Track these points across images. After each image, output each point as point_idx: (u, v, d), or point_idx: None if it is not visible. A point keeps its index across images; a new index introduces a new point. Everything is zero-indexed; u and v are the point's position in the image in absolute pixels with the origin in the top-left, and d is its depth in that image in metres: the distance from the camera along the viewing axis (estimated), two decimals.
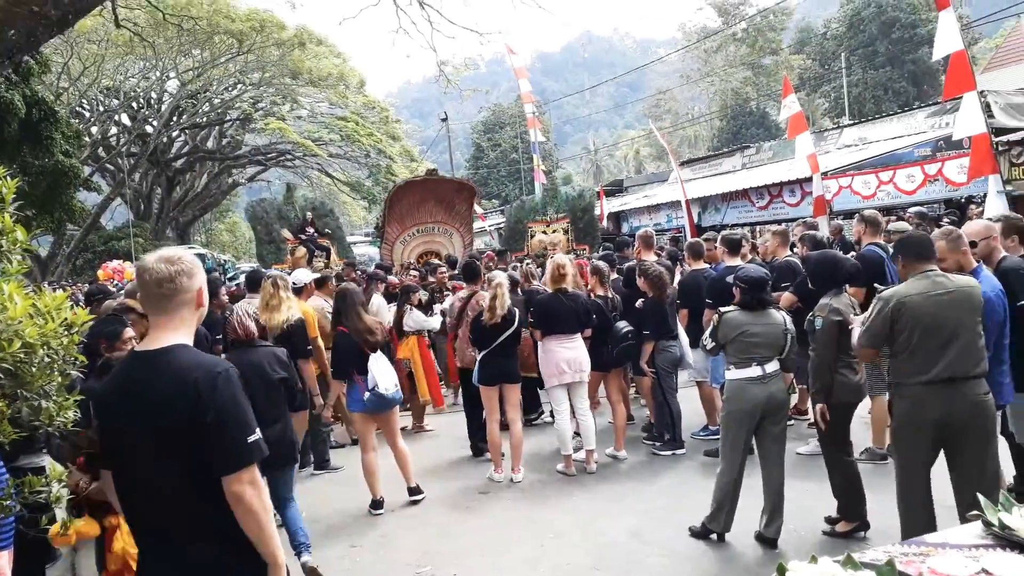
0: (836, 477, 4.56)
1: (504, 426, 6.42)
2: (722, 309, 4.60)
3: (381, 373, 5.53)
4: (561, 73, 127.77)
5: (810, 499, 5.05)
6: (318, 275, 8.08)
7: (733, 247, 6.80)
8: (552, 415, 7.36)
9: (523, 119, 42.72)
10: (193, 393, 2.04)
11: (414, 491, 5.92)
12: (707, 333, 4.69)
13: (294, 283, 6.91)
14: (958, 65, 9.12)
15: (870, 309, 3.95)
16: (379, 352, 5.64)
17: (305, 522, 5.57)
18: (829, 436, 4.55)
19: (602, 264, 6.88)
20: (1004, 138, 10.00)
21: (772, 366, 4.45)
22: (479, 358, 6.23)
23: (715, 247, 7.49)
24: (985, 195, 9.37)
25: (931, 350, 3.72)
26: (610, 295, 6.64)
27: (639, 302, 6.64)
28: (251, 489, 2.09)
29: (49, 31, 5.83)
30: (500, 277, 6.36)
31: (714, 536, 4.63)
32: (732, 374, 4.49)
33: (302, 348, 5.74)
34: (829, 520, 4.68)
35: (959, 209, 10.21)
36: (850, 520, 4.53)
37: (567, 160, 59.86)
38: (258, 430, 2.15)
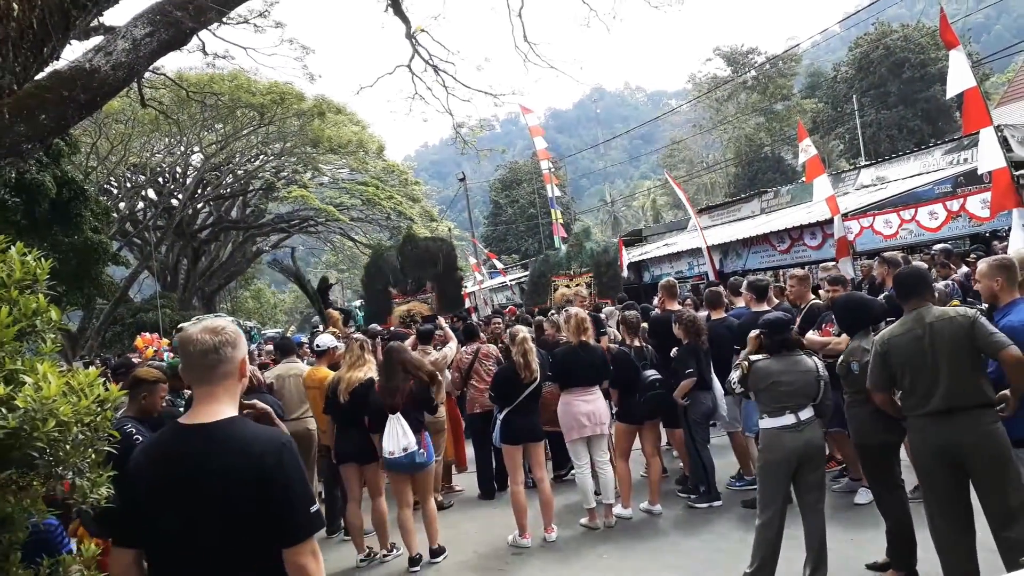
0: (888, 521, 4.43)
1: (531, 485, 6.38)
2: (752, 358, 4.53)
3: (390, 435, 5.54)
4: (575, 129, 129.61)
5: (854, 549, 4.90)
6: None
7: (760, 293, 6.74)
8: None
9: (539, 175, 43.18)
10: (259, 466, 2.05)
11: (436, 552, 5.91)
12: (735, 377, 4.60)
13: (318, 346, 6.99)
14: (973, 102, 9.13)
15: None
16: (397, 414, 5.59)
17: None
18: (877, 478, 4.44)
19: (632, 315, 6.84)
20: None
21: (806, 413, 4.36)
22: (500, 417, 6.17)
23: (740, 292, 7.41)
24: (1010, 229, 9.25)
25: (923, 385, 3.78)
26: (640, 344, 6.58)
27: (674, 350, 6.59)
28: (313, 560, 2.09)
29: (78, 113, 6.02)
30: (524, 331, 6.35)
31: None
32: (766, 423, 4.40)
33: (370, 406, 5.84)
34: (875, 567, 4.54)
35: (984, 244, 10.09)
36: (898, 569, 4.38)
37: (585, 212, 60.26)
38: (316, 499, 2.17)
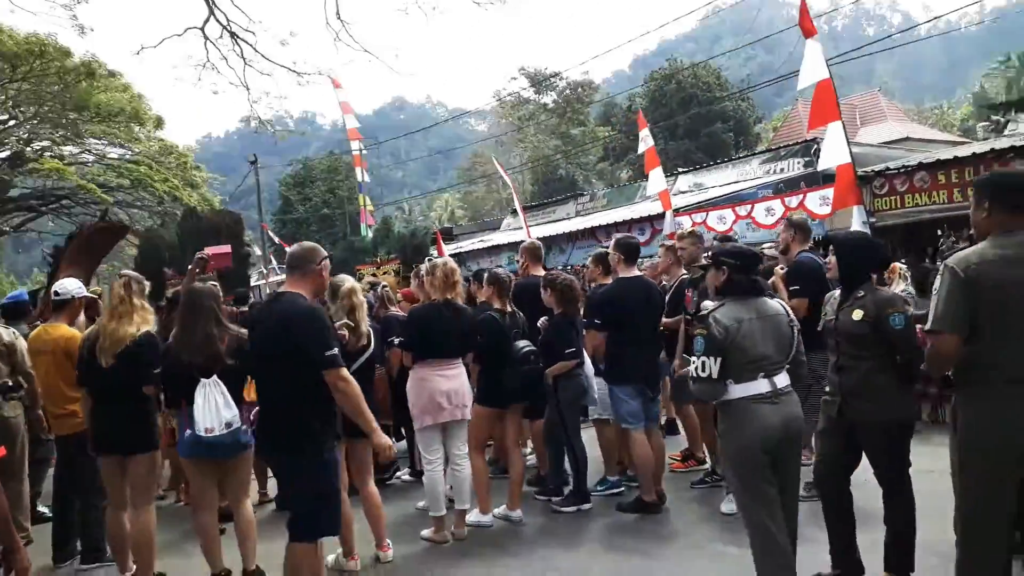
0: (898, 522, 3.37)
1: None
2: (706, 304, 3.31)
3: (207, 406, 3.86)
4: (374, 135, 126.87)
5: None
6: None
7: (630, 253, 5.36)
8: (410, 472, 6.33)
9: (334, 175, 41.35)
10: None
11: (252, 574, 4.14)
12: (698, 350, 3.20)
13: (57, 293, 4.91)
14: (824, 94, 8.87)
15: (938, 282, 2.80)
16: (214, 378, 3.92)
17: None
18: (895, 467, 3.40)
19: (503, 273, 5.43)
20: (869, 168, 9.95)
21: (783, 380, 3.21)
22: None
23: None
24: (848, 229, 9.12)
25: (1019, 340, 2.63)
26: (512, 310, 5.21)
27: (541, 321, 5.32)
28: None
29: None
30: (349, 282, 4.72)
31: None
32: (732, 392, 3.18)
33: (147, 372, 4.12)
34: None
35: (823, 247, 9.96)
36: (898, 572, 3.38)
37: (385, 207, 58.64)
38: None
